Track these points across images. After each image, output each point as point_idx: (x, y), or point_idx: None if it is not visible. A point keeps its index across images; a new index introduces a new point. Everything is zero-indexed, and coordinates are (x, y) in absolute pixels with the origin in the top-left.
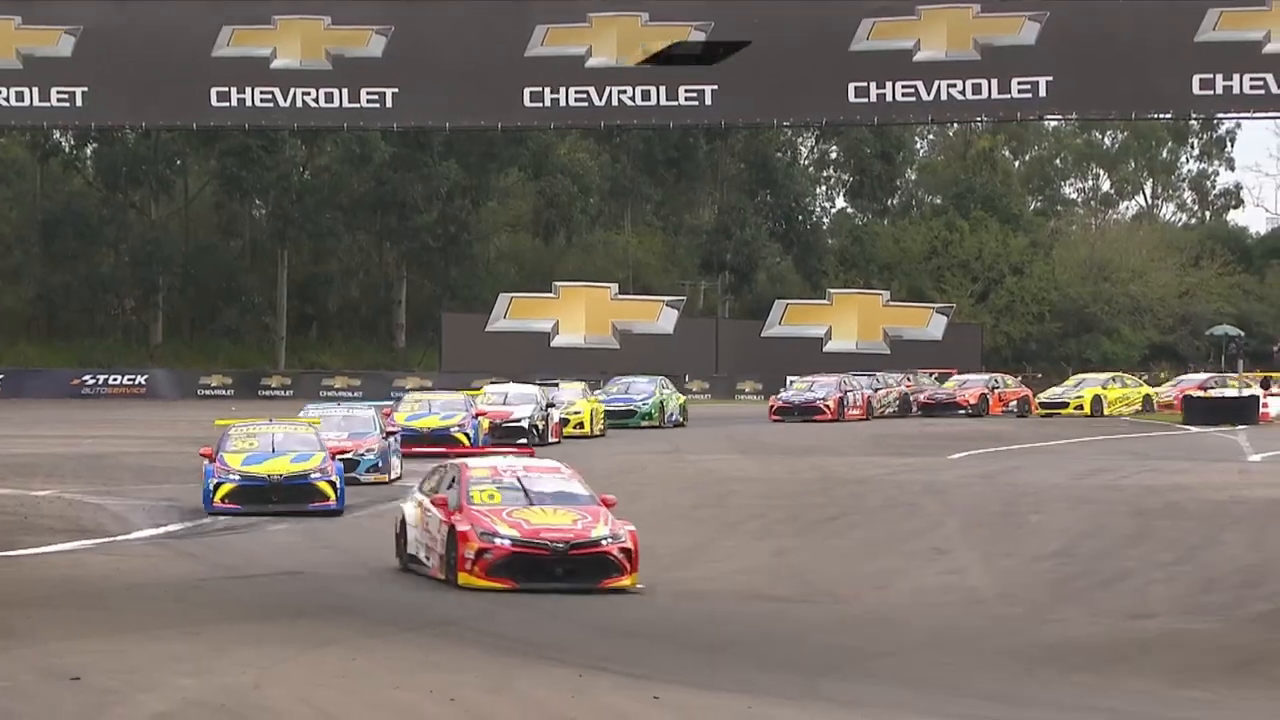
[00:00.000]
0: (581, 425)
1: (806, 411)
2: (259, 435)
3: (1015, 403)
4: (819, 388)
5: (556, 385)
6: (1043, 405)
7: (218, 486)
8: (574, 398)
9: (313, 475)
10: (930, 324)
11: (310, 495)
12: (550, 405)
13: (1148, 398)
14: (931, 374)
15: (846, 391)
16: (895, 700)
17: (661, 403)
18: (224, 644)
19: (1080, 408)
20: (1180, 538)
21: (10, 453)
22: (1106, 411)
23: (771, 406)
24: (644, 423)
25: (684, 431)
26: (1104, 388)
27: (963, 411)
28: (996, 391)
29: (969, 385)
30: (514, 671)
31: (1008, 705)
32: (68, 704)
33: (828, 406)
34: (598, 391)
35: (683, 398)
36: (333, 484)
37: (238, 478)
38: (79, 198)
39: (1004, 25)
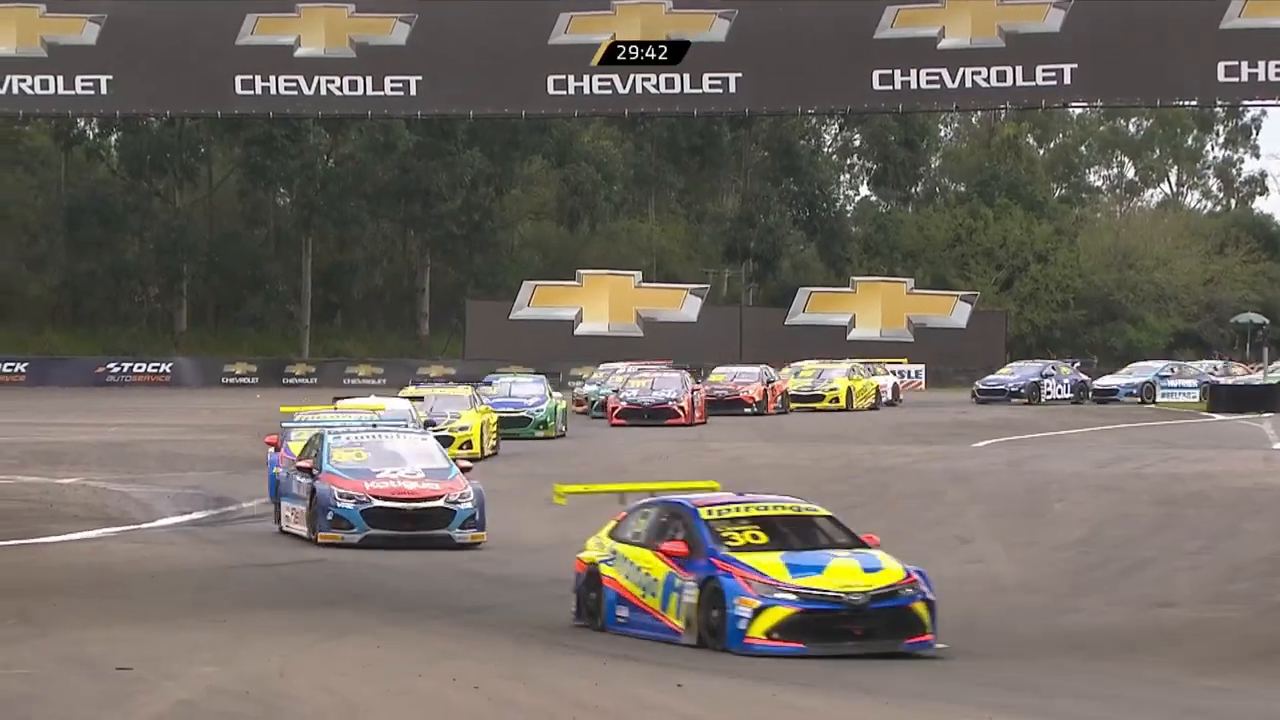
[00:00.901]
0: (470, 444)
1: (658, 414)
2: (760, 520)
3: (780, 396)
4: (665, 385)
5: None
6: (794, 398)
7: (761, 611)
8: (459, 409)
9: (903, 593)
10: (954, 312)
11: (907, 626)
12: None
13: (878, 390)
14: (686, 367)
15: (694, 390)
16: (918, 689)
17: (554, 408)
18: (247, 632)
19: (835, 400)
20: (1204, 526)
21: (35, 441)
22: (856, 404)
23: (612, 409)
24: (538, 433)
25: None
26: (849, 377)
27: (748, 410)
28: (771, 384)
29: (746, 380)
30: (537, 660)
31: (1030, 694)
32: (92, 691)
33: (681, 409)
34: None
35: (564, 402)
36: (930, 604)
37: (794, 597)
38: (103, 186)
39: (1029, 12)
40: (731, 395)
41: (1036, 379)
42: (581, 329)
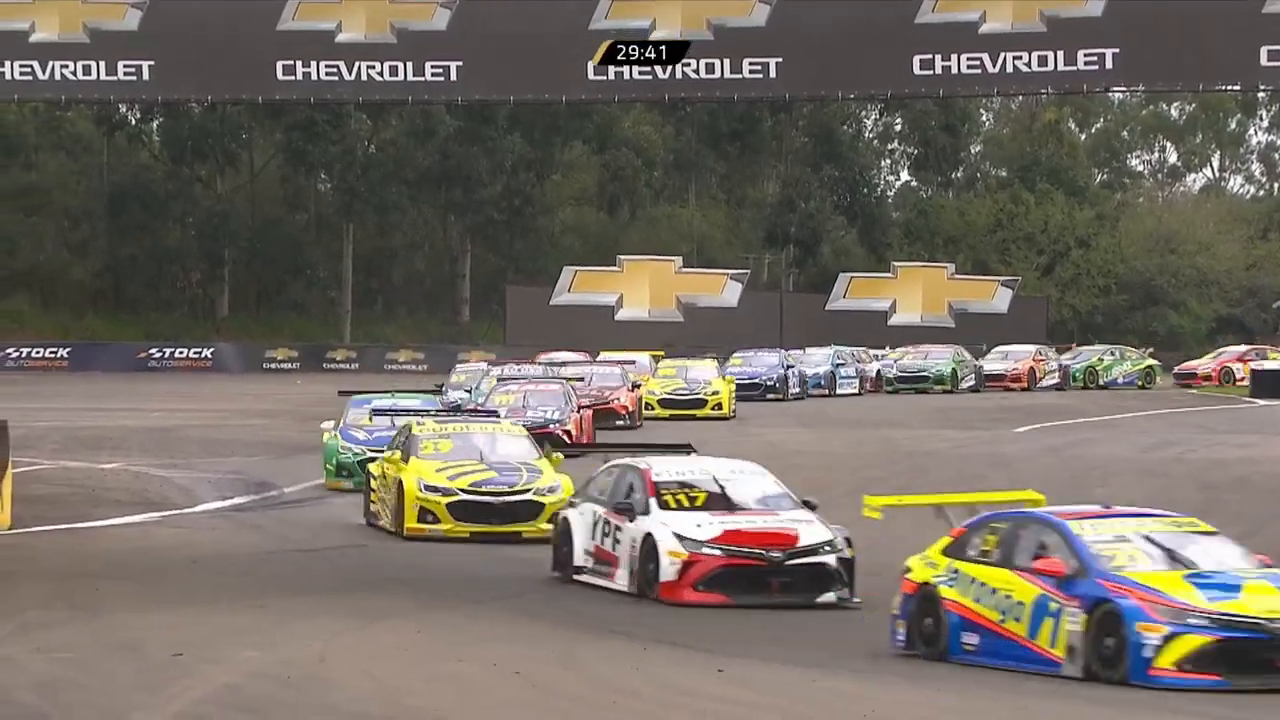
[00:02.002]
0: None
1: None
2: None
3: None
4: (543, 402)
5: None
6: (667, 403)
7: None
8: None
9: None
10: (995, 297)
11: None
12: None
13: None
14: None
15: (581, 407)
16: (958, 674)
17: None
18: (288, 617)
19: (719, 406)
20: (1247, 511)
21: (78, 426)
22: (727, 406)
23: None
24: None
25: (745, 405)
26: (723, 377)
27: (620, 422)
28: (636, 388)
29: (611, 384)
30: (578, 645)
31: (1073, 681)
32: (135, 675)
33: (567, 432)
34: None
35: None
36: None
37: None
38: (145, 171)
39: None
40: (600, 403)
41: (783, 371)
42: (622, 314)
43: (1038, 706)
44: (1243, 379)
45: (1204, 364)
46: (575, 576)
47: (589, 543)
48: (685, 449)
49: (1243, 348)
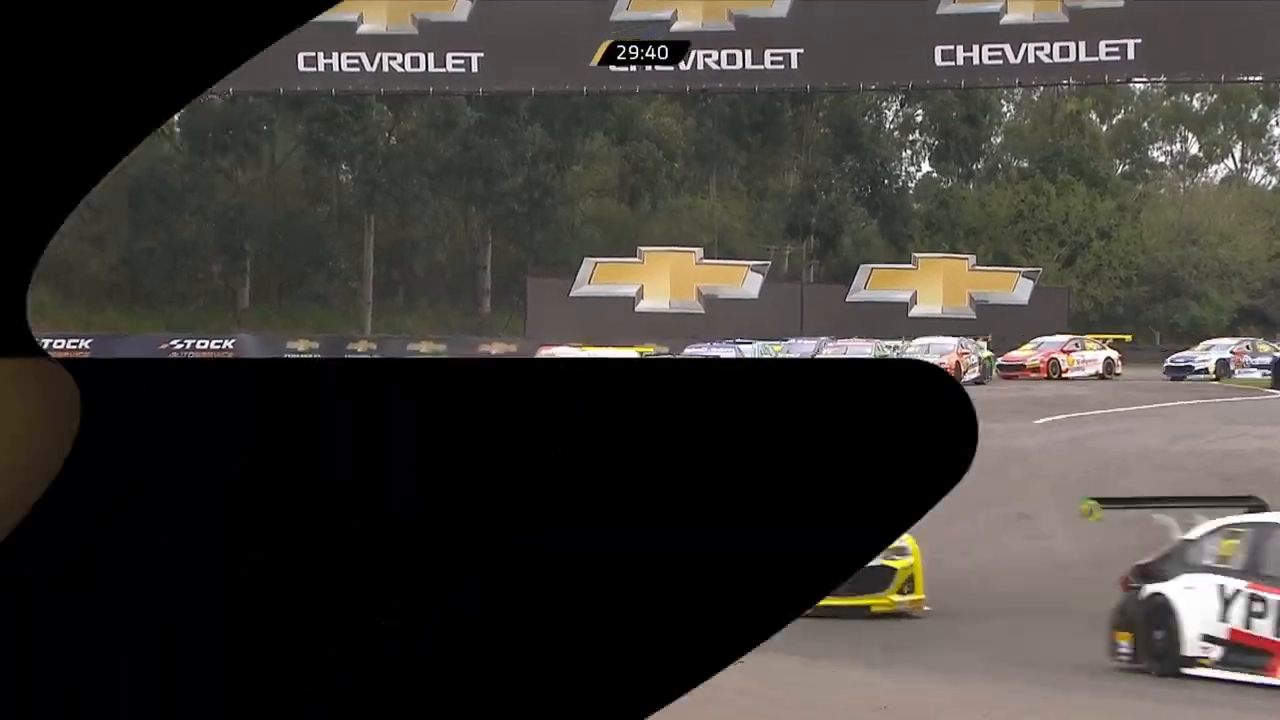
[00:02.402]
0: None
1: None
2: None
3: None
4: None
5: None
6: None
7: None
8: None
9: None
10: (1016, 288)
11: None
12: None
13: None
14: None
15: None
16: (977, 666)
17: None
18: None
19: None
20: (1268, 503)
21: None
22: None
23: None
24: None
25: None
26: None
27: None
28: None
29: None
30: None
31: (1089, 674)
32: None
33: None
34: None
35: None
36: None
37: None
38: (165, 163)
39: None
40: None
41: None
42: (642, 306)
43: (1055, 698)
44: (1067, 370)
45: (1029, 356)
46: (1184, 669)
47: (1214, 626)
48: (1249, 502)
49: (1063, 338)
